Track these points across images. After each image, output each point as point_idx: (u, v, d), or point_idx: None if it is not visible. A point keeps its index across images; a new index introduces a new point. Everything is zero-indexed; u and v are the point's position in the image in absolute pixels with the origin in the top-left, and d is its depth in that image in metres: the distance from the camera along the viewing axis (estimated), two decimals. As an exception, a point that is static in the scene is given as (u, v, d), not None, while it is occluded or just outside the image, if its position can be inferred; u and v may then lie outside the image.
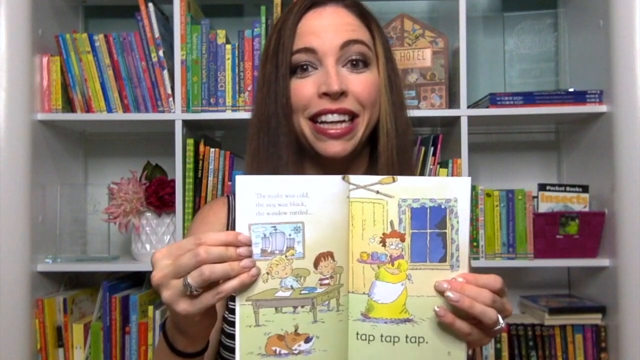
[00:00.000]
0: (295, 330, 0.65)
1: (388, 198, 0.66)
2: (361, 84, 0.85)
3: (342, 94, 0.83)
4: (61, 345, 1.63)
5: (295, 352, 0.65)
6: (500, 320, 0.65)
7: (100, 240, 1.75)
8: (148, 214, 1.67)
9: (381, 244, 0.66)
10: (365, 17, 0.90)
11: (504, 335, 1.66)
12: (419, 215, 0.65)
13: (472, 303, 0.64)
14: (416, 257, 0.66)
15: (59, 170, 1.73)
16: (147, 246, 1.66)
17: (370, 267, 0.66)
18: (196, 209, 1.61)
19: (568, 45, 1.86)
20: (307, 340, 0.66)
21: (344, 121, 0.85)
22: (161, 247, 0.66)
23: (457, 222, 0.65)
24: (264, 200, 0.63)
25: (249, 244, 0.63)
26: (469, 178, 0.66)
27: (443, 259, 0.65)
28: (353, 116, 0.85)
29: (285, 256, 0.65)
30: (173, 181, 1.62)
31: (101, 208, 1.71)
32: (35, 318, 1.58)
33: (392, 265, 0.66)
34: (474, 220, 1.63)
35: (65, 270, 1.70)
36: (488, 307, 0.64)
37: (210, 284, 0.63)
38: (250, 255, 0.63)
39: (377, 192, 0.66)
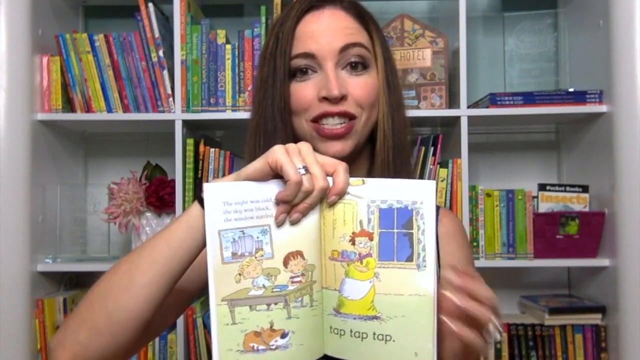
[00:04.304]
0: (271, 327, 0.68)
1: (357, 199, 0.68)
2: (360, 87, 0.86)
3: (342, 97, 0.84)
4: (61, 345, 1.63)
5: (273, 347, 0.68)
6: (495, 322, 0.65)
7: (100, 240, 1.75)
8: (148, 214, 1.67)
9: (351, 243, 0.69)
10: (364, 18, 0.90)
11: (504, 335, 1.66)
12: (387, 216, 0.67)
13: (469, 300, 0.65)
14: (384, 256, 0.67)
15: (59, 170, 1.73)
16: (147, 246, 1.65)
17: (341, 264, 0.69)
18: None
19: (568, 45, 1.86)
20: (283, 335, 0.68)
21: (343, 123, 0.85)
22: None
23: (423, 223, 0.66)
24: (231, 207, 0.67)
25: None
26: (434, 182, 0.67)
27: (410, 259, 0.67)
28: (351, 117, 0.86)
29: (255, 257, 0.68)
30: (173, 181, 1.62)
31: (101, 208, 1.70)
32: (35, 318, 1.58)
33: (361, 263, 0.68)
34: (474, 221, 1.63)
35: (65, 270, 1.70)
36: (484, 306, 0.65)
37: None
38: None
39: (348, 193, 0.69)
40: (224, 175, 1.62)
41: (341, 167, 0.69)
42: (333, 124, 0.85)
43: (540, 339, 1.66)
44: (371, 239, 0.68)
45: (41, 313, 1.59)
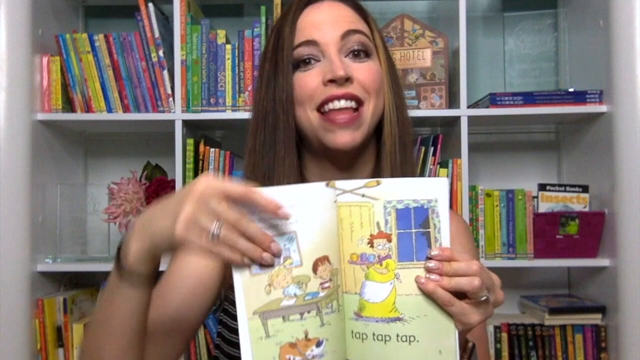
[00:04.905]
0: (306, 336, 0.66)
1: (374, 200, 0.67)
2: (365, 71, 0.86)
3: (348, 80, 0.84)
4: (61, 345, 1.63)
5: (310, 357, 0.66)
6: (485, 291, 0.66)
7: (100, 240, 1.75)
8: (148, 214, 1.66)
9: (369, 245, 0.68)
10: (362, 11, 0.91)
11: (504, 335, 1.66)
12: (404, 216, 0.67)
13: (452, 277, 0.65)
14: (403, 257, 0.67)
15: (59, 170, 1.73)
16: (147, 246, 1.65)
17: (360, 267, 0.68)
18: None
19: (568, 45, 1.86)
20: (318, 344, 0.67)
21: (350, 107, 0.84)
22: (211, 175, 0.64)
23: (439, 221, 0.66)
24: (255, 217, 0.64)
25: (287, 218, 0.64)
26: (446, 178, 0.68)
27: (429, 258, 0.66)
28: (359, 104, 0.85)
29: (284, 266, 0.65)
30: (173, 181, 1.62)
31: (101, 208, 1.70)
32: (35, 318, 1.58)
33: (381, 265, 0.67)
34: (474, 221, 1.63)
35: (65, 270, 1.70)
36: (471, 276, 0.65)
37: None
38: (277, 255, 0.64)
39: (363, 195, 0.67)
40: (224, 175, 1.61)
41: (250, 190, 0.63)
42: (340, 108, 0.83)
43: (540, 339, 1.66)
44: (389, 241, 0.67)
45: (41, 313, 1.59)
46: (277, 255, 0.64)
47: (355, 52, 0.86)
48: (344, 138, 0.84)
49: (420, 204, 0.66)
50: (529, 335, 1.66)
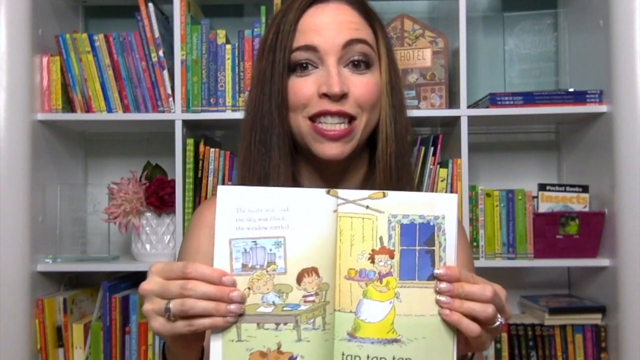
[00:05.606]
0: (278, 348, 0.63)
1: (378, 213, 0.64)
2: (362, 86, 0.83)
3: (343, 95, 0.81)
4: (61, 345, 1.63)
5: None
6: (498, 316, 0.65)
7: (100, 240, 1.75)
8: (148, 214, 1.67)
9: (370, 261, 0.65)
10: (369, 15, 0.87)
11: (504, 335, 1.66)
12: (409, 232, 0.64)
13: (463, 299, 0.64)
14: (405, 275, 0.64)
15: (59, 170, 1.73)
16: (147, 246, 1.66)
17: (358, 284, 0.65)
18: (196, 209, 1.61)
19: (568, 45, 1.86)
20: (291, 359, 0.64)
21: (342, 123, 0.83)
22: (160, 261, 0.68)
23: (445, 239, 0.64)
24: (244, 215, 0.62)
25: (234, 286, 0.63)
26: (456, 195, 0.65)
27: (431, 277, 0.64)
28: (351, 118, 0.83)
29: (266, 271, 0.63)
30: (173, 181, 1.62)
31: (101, 208, 1.71)
32: (35, 318, 1.58)
33: (381, 282, 0.64)
34: (474, 221, 1.63)
35: (65, 270, 1.70)
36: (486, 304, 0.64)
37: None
38: (241, 302, 0.63)
39: (367, 207, 0.64)
40: (223, 175, 1.61)
41: (187, 267, 0.64)
42: (332, 123, 0.82)
43: (540, 339, 1.66)
44: (392, 257, 0.64)
45: (41, 313, 1.59)
46: (243, 302, 0.63)
47: (356, 63, 0.84)
48: (333, 150, 0.82)
49: (427, 220, 0.64)
50: (529, 335, 1.66)
